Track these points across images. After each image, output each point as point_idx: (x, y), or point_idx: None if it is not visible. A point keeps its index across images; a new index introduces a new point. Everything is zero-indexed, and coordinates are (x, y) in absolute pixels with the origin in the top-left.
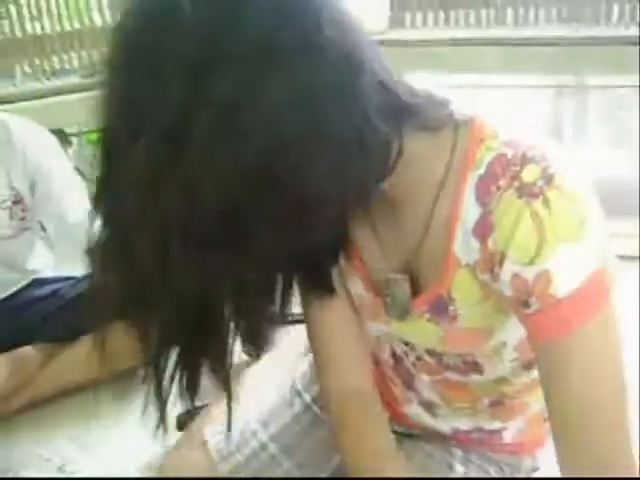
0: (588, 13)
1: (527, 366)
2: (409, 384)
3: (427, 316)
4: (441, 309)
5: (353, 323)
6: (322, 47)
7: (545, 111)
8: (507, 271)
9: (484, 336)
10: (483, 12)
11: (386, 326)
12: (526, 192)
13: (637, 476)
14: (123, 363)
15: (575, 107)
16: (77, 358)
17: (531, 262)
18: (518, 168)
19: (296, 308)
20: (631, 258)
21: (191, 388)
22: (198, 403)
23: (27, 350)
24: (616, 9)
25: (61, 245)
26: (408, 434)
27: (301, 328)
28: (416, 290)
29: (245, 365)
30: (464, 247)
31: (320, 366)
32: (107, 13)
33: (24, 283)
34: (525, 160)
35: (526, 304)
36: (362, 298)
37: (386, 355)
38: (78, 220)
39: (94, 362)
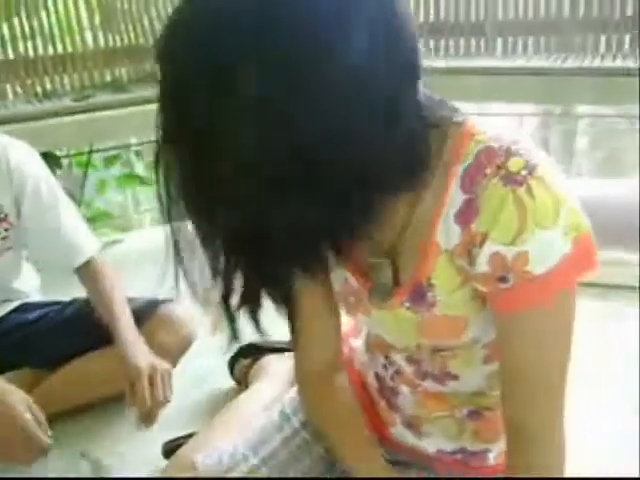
0: (577, 43)
1: None
2: (392, 404)
3: (407, 304)
4: (420, 296)
5: (332, 310)
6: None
7: (533, 138)
8: (487, 250)
9: (460, 325)
10: (473, 41)
11: (366, 316)
12: (511, 180)
13: (563, 435)
14: (107, 389)
15: (561, 134)
16: (63, 384)
17: (512, 243)
18: (504, 159)
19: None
20: (619, 287)
21: (254, 318)
22: (183, 433)
23: (13, 375)
24: (603, 40)
25: (51, 261)
26: (396, 461)
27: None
28: (397, 279)
29: (235, 393)
30: (445, 234)
31: (294, 343)
32: (100, 34)
33: (11, 307)
34: (510, 152)
35: (503, 279)
36: (348, 281)
37: (370, 378)
38: (69, 235)
39: (79, 388)
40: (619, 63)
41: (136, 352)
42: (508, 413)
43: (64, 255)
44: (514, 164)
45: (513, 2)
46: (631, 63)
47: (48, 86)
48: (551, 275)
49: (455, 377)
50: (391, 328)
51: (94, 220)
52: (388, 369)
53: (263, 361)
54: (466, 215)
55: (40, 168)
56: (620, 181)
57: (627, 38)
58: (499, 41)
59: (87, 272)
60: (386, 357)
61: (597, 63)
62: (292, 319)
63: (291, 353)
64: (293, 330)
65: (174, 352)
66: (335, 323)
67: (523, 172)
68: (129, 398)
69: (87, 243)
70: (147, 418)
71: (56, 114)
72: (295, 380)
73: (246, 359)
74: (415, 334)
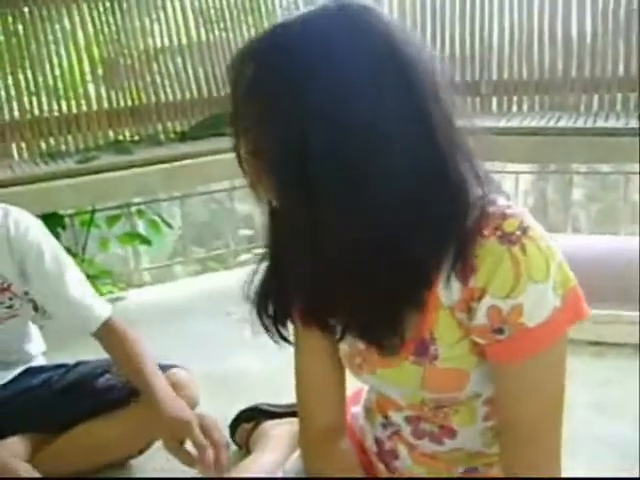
0: (570, 103)
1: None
2: (391, 467)
3: (411, 358)
4: (424, 350)
5: (332, 362)
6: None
7: (527, 193)
8: (484, 304)
9: (461, 378)
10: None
11: (371, 375)
12: (506, 239)
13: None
14: (112, 455)
15: (555, 191)
16: (68, 449)
17: (507, 296)
18: (500, 221)
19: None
20: (616, 345)
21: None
22: None
23: (17, 439)
24: (596, 99)
25: (67, 326)
26: None
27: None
28: (402, 331)
29: (236, 458)
30: (446, 290)
31: (297, 400)
32: (103, 91)
33: (16, 372)
34: (505, 215)
35: (500, 331)
36: (356, 343)
37: (369, 442)
38: (78, 301)
39: (84, 453)
40: (612, 123)
41: (178, 406)
42: (508, 462)
43: (79, 320)
44: (509, 225)
45: (508, 62)
46: (622, 123)
47: (53, 146)
48: (544, 327)
49: (454, 434)
50: (397, 383)
51: (96, 277)
52: (387, 429)
53: (264, 426)
54: (466, 272)
55: (42, 235)
56: (617, 238)
57: (619, 97)
58: (494, 100)
59: (106, 335)
60: (385, 417)
61: (590, 123)
62: (299, 380)
63: (291, 419)
64: (299, 392)
65: None
66: (340, 387)
67: (517, 232)
68: (183, 456)
69: (98, 306)
70: (217, 465)
71: (60, 176)
72: (299, 443)
73: (248, 424)
74: (420, 388)
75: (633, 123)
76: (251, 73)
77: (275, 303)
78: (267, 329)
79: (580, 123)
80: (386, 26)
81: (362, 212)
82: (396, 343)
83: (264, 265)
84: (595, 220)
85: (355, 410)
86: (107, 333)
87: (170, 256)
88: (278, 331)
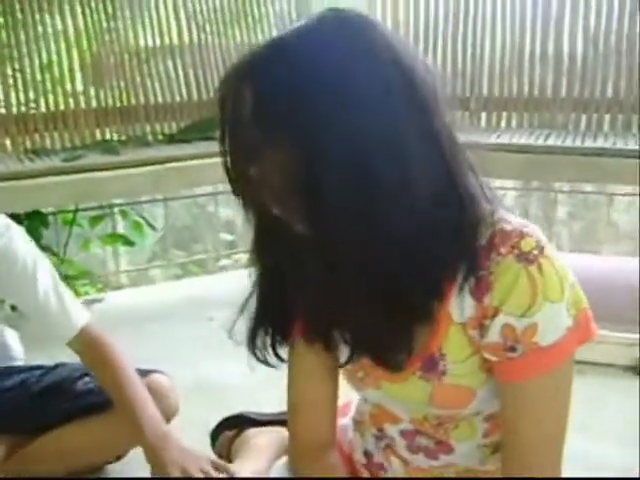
0: (559, 122)
1: (495, 451)
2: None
3: (418, 374)
4: (432, 365)
5: (327, 379)
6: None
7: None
8: (498, 322)
9: (468, 395)
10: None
11: (376, 390)
12: (523, 258)
13: None
14: (87, 460)
15: (538, 208)
16: (42, 453)
17: (523, 315)
18: (517, 239)
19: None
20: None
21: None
22: None
23: None
24: (584, 119)
25: (43, 334)
26: None
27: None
28: (410, 347)
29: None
30: (459, 306)
31: (289, 415)
32: (91, 89)
33: None
34: (522, 234)
35: (512, 349)
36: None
37: (358, 455)
38: (55, 308)
39: (58, 458)
40: (600, 143)
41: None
42: (511, 474)
43: (52, 329)
44: (526, 244)
45: (498, 79)
46: (610, 144)
47: (38, 143)
48: (556, 347)
49: (450, 450)
50: (402, 399)
51: (75, 278)
52: (379, 442)
53: (247, 434)
54: (480, 290)
55: (20, 241)
56: (600, 257)
57: (607, 118)
58: (483, 116)
59: (82, 347)
60: (380, 430)
61: (578, 142)
62: (290, 391)
63: (273, 427)
64: (292, 409)
65: None
66: (333, 402)
67: (535, 252)
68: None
69: (75, 315)
70: None
71: (45, 174)
72: (289, 456)
73: (230, 431)
74: (427, 404)
75: (620, 144)
76: (251, 95)
77: (273, 323)
78: (258, 352)
79: (569, 142)
80: (388, 38)
81: (374, 226)
82: (402, 359)
83: (258, 286)
84: (577, 238)
85: (343, 422)
86: (82, 344)
87: (149, 259)
88: (274, 351)
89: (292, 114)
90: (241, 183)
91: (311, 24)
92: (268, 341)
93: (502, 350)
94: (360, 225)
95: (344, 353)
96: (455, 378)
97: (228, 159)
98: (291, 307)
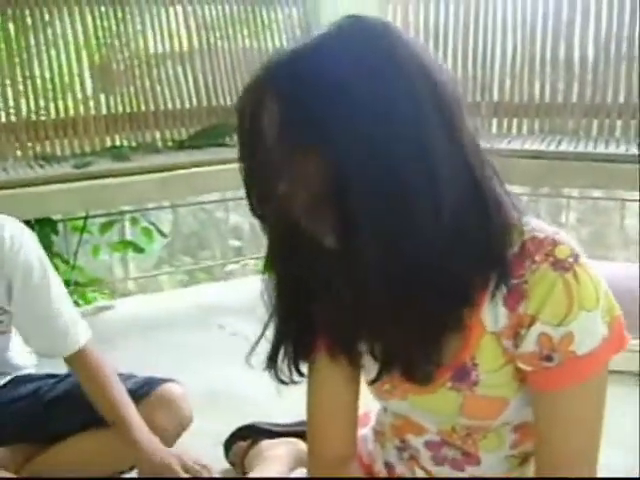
0: (570, 128)
1: (523, 462)
2: None
3: (449, 384)
4: (464, 375)
5: (348, 392)
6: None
7: None
8: (534, 331)
9: (500, 405)
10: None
11: (402, 401)
12: (559, 266)
13: None
14: (99, 470)
15: (547, 213)
16: (56, 462)
17: (559, 324)
18: (551, 247)
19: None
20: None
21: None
22: None
23: (3, 451)
24: (595, 124)
25: (41, 348)
26: None
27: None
28: (439, 359)
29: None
30: (492, 316)
31: (309, 428)
32: (101, 99)
33: (4, 382)
34: (556, 241)
35: (549, 358)
36: None
37: (378, 466)
38: (60, 323)
39: (72, 467)
40: (612, 149)
41: (156, 447)
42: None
43: (54, 342)
44: (561, 252)
45: (509, 84)
46: (622, 150)
47: (48, 150)
48: (592, 356)
49: (477, 462)
50: (431, 410)
51: (85, 285)
52: (402, 453)
53: (261, 446)
54: (514, 298)
55: (35, 251)
56: (612, 264)
57: (619, 124)
58: (494, 122)
59: (78, 364)
60: (402, 441)
61: (590, 148)
62: (311, 405)
63: (288, 439)
64: (312, 422)
65: (171, 433)
66: (354, 414)
67: (570, 259)
68: None
69: (78, 331)
70: None
71: (55, 180)
72: (308, 468)
73: (243, 442)
74: (457, 415)
75: (633, 150)
76: (276, 107)
77: (295, 340)
78: (278, 370)
79: (580, 148)
80: (410, 44)
81: (404, 233)
82: (431, 371)
83: (278, 304)
84: (586, 244)
85: (363, 432)
86: (79, 362)
87: (156, 265)
88: (297, 368)
89: (320, 124)
90: (269, 199)
91: (334, 32)
92: (290, 359)
93: (538, 359)
94: (390, 230)
95: (369, 366)
96: (487, 388)
97: (253, 176)
98: (314, 323)
